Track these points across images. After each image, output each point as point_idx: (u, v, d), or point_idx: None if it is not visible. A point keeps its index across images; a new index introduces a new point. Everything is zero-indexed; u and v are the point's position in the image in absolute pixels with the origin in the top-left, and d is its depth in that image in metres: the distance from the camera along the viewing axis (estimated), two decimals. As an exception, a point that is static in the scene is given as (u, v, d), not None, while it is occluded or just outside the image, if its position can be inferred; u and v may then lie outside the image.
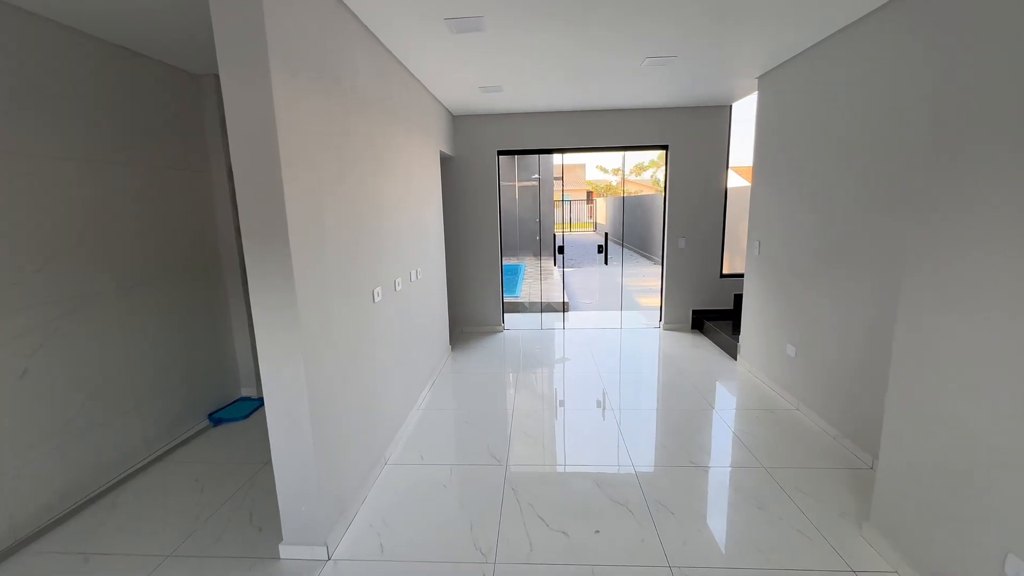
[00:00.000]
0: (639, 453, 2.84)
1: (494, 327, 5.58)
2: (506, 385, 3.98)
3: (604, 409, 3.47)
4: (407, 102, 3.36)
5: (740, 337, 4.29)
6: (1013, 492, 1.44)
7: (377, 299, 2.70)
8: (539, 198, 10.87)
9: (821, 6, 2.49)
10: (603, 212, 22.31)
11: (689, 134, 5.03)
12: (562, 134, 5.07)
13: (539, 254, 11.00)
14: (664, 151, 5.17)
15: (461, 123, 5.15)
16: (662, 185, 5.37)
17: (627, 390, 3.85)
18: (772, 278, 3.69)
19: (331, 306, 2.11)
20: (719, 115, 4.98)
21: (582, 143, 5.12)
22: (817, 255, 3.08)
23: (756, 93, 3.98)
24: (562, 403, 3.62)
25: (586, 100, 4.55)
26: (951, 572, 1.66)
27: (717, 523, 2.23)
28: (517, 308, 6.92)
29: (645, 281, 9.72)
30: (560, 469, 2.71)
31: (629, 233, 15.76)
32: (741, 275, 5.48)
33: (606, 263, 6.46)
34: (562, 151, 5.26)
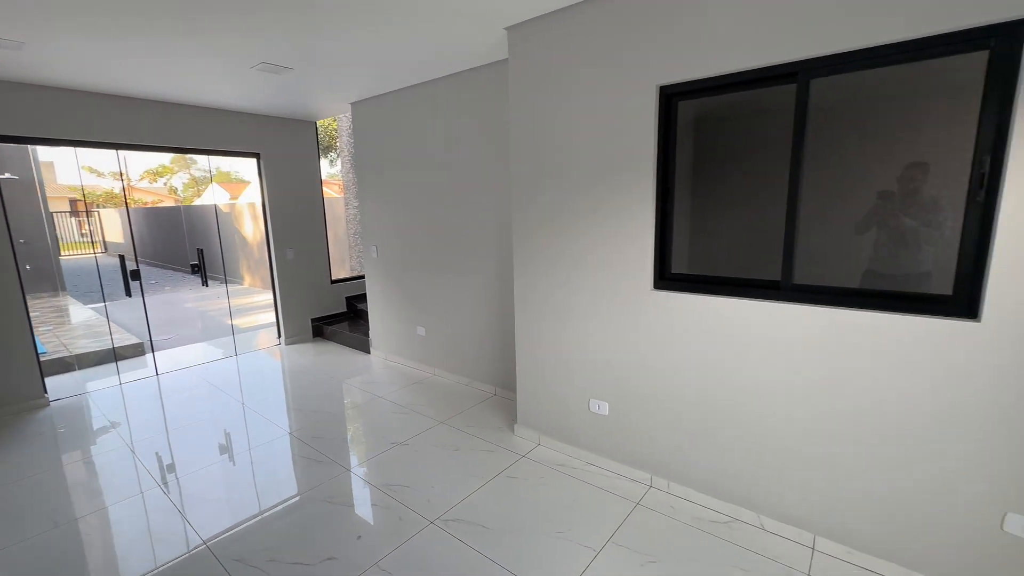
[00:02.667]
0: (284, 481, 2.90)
1: (29, 402, 3.66)
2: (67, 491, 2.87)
3: (231, 454, 3.01)
4: None
5: (371, 332, 4.84)
6: (583, 367, 2.69)
7: None
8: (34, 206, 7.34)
9: (410, 71, 3.29)
10: (115, 227, 17.14)
11: (281, 144, 5.00)
12: (116, 125, 3.88)
13: (58, 286, 7.51)
14: (256, 159, 4.91)
15: None
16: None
17: (260, 417, 3.64)
18: (395, 275, 4.42)
19: None
20: (307, 129, 5.22)
21: (158, 140, 4.11)
22: (433, 252, 4.01)
23: (347, 114, 4.53)
24: (171, 467, 2.84)
25: (160, 89, 3.72)
26: (564, 421, 2.85)
27: (433, 466, 2.70)
28: (64, 367, 4.70)
29: (218, 303, 8.58)
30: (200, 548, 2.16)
31: (161, 251, 13.10)
32: (349, 279, 6.02)
33: (129, 294, 5.15)
34: (126, 147, 4.02)
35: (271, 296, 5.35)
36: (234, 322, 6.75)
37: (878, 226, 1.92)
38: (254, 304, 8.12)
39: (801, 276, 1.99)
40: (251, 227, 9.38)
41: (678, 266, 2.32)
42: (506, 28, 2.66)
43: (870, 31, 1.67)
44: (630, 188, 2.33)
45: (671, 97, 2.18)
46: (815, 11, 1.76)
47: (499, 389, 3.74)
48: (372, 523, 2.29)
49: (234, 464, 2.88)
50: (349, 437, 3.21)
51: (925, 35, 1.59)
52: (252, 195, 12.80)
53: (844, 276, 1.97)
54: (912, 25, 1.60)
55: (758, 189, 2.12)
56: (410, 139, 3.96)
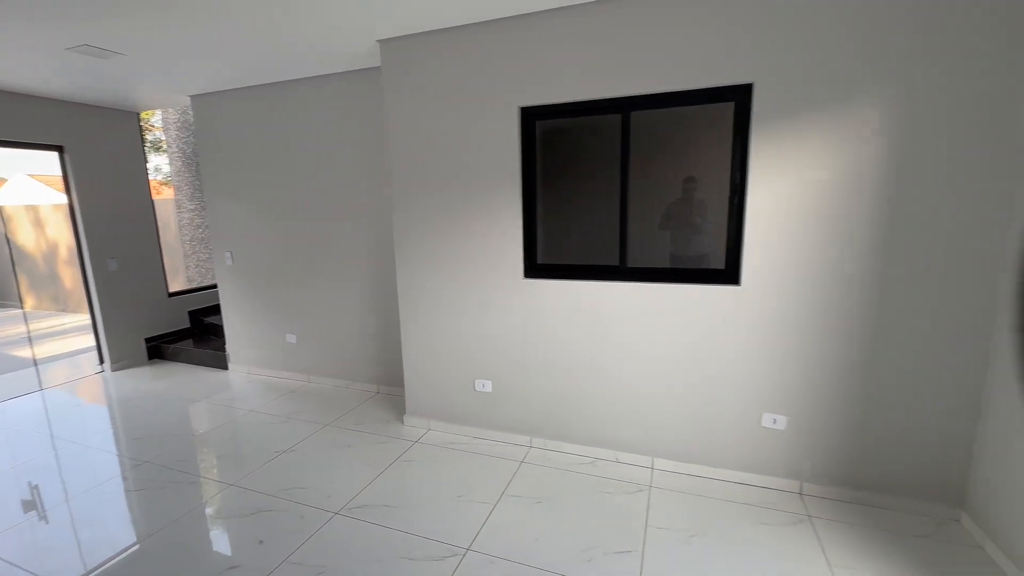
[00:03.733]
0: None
1: None
2: None
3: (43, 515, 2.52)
4: None
5: (228, 345, 4.44)
6: (467, 352, 3.00)
7: None
8: None
9: (276, 67, 3.22)
10: None
11: (94, 137, 4.27)
12: None
13: None
14: (59, 152, 4.11)
15: None
16: None
17: (94, 453, 3.21)
18: (258, 282, 4.15)
19: None
20: (127, 121, 4.54)
21: None
22: (304, 255, 3.90)
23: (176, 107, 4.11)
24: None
25: (-88, 59, 2.94)
26: (452, 403, 3.12)
27: (326, 465, 2.73)
28: None
29: (7, 330, 6.76)
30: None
31: None
32: (192, 291, 5.36)
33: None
34: None
35: (87, 317, 4.51)
36: (35, 352, 5.44)
37: (674, 221, 2.61)
38: (60, 328, 6.61)
39: (633, 260, 2.59)
40: (35, 236, 7.56)
41: (543, 257, 2.78)
42: (378, 40, 2.83)
43: (667, 82, 2.31)
44: (501, 192, 2.71)
45: (530, 116, 2.62)
46: (634, 64, 2.35)
47: (382, 387, 3.84)
48: (272, 528, 2.27)
49: (67, 509, 2.50)
50: (224, 454, 3.00)
51: (697, 88, 2.27)
52: (27, 195, 10.24)
53: (661, 259, 2.63)
54: (690, 81, 2.27)
55: (602, 192, 2.67)
56: (275, 138, 3.79)
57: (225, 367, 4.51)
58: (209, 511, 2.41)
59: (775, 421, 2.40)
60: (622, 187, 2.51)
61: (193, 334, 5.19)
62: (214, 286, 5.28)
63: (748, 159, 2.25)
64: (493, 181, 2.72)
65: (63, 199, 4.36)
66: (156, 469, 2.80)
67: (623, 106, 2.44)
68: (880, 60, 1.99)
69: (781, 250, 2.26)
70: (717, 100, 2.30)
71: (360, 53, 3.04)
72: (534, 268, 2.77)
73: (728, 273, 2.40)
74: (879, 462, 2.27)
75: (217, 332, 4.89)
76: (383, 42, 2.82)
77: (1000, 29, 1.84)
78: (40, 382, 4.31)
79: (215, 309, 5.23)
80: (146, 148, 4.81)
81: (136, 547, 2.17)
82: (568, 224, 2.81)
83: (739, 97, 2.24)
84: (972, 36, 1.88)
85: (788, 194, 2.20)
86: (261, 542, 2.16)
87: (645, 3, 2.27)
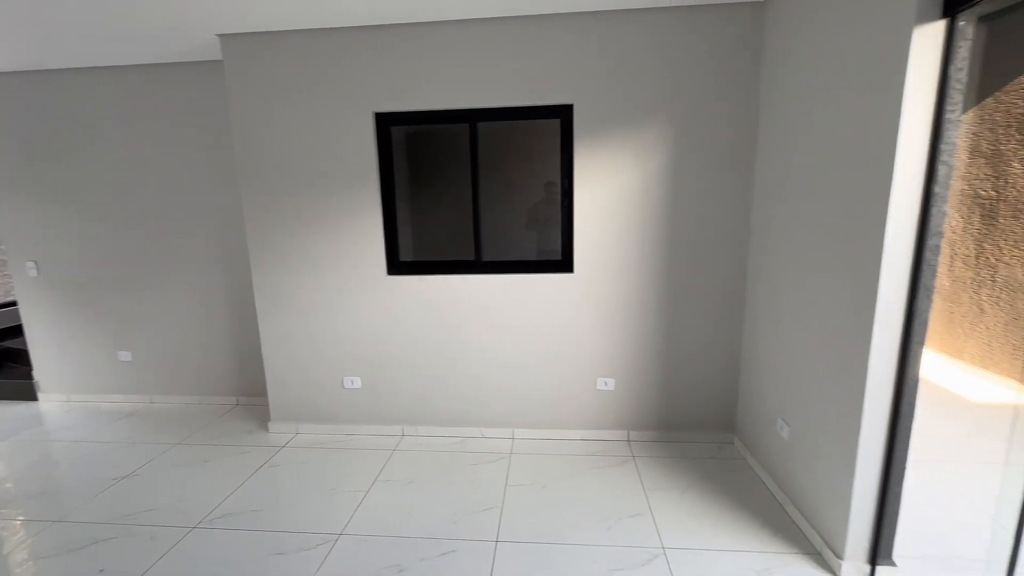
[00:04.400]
0: None
1: None
2: None
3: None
4: None
5: (36, 371, 3.76)
6: (334, 351, 3.04)
7: None
8: None
9: (95, 49, 2.89)
10: None
11: None
12: None
13: None
14: None
15: None
16: None
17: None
18: (72, 296, 3.60)
19: None
20: None
21: None
22: (137, 263, 3.49)
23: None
24: None
25: None
26: (320, 404, 3.13)
27: (179, 483, 2.57)
28: None
29: None
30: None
31: None
32: (-25, 311, 4.38)
33: None
34: None
35: None
36: None
37: (540, 221, 2.99)
38: None
39: (488, 255, 2.90)
40: None
41: (405, 255, 2.95)
42: (218, 35, 2.73)
43: (507, 98, 2.66)
44: (361, 193, 2.82)
45: (386, 122, 2.78)
46: (480, 81, 2.65)
47: (242, 398, 3.63)
48: (115, 555, 2.09)
49: None
50: (43, 491, 2.60)
51: (532, 105, 2.66)
52: None
53: (525, 253, 2.97)
54: (526, 98, 2.65)
55: (458, 193, 2.93)
56: (92, 131, 3.34)
57: (34, 397, 3.81)
58: (23, 555, 2.11)
59: (607, 384, 2.91)
60: (473, 189, 2.81)
61: (-21, 363, 4.25)
62: (12, 304, 4.40)
63: (573, 167, 2.70)
64: (352, 182, 2.82)
65: None
66: (-57, 521, 2.34)
67: (470, 117, 2.73)
68: (652, 95, 2.57)
69: (601, 243, 2.76)
70: (548, 116, 2.71)
71: (198, 45, 2.89)
72: (396, 265, 2.93)
73: (564, 263, 2.84)
74: (681, 408, 2.91)
75: (18, 358, 4.10)
76: (224, 37, 2.73)
77: (737, 76, 2.53)
78: None
79: (14, 331, 4.36)
80: None
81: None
82: (433, 223, 3.02)
83: (564, 115, 2.68)
84: (715, 82, 2.54)
85: (603, 197, 2.70)
86: (101, 571, 1.99)
87: (489, 29, 2.59)
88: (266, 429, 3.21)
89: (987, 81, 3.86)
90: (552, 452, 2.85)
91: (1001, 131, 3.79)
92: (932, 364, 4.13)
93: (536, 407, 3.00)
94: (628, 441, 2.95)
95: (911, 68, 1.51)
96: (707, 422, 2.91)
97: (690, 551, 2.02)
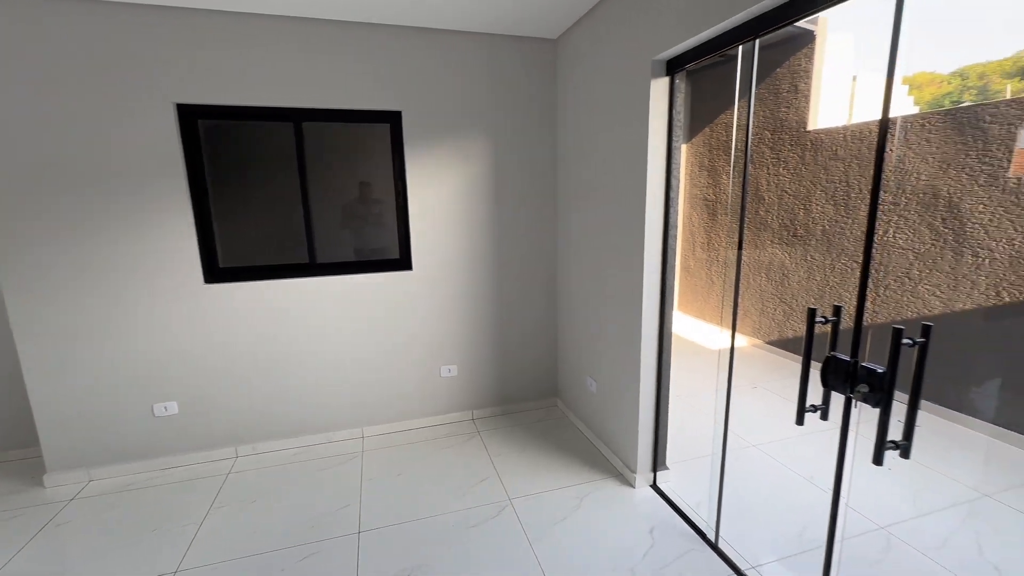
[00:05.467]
0: None
1: None
2: None
3: None
4: None
5: None
6: (139, 375, 2.63)
7: None
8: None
9: None
10: None
11: None
12: None
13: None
14: None
15: None
16: None
17: None
18: None
19: None
20: None
21: None
22: None
23: None
24: None
25: None
26: (123, 439, 2.67)
27: None
28: None
29: None
30: None
31: None
32: None
33: None
34: None
35: None
36: None
37: (356, 221, 3.04)
38: None
39: (323, 256, 2.87)
40: None
41: (226, 260, 2.71)
42: (-75, -14, 2.10)
43: (335, 100, 2.67)
44: (167, 194, 2.50)
45: (191, 114, 2.51)
46: (304, 81, 2.59)
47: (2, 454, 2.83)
48: None
49: None
50: None
51: (361, 109, 2.73)
52: None
53: (353, 253, 2.99)
54: (354, 102, 2.70)
55: (288, 193, 2.80)
56: None
57: None
58: None
59: (450, 371, 3.17)
60: (302, 189, 2.74)
61: None
62: None
63: (406, 170, 2.86)
64: (158, 182, 2.47)
65: None
66: None
67: (295, 116, 2.66)
68: (479, 110, 2.91)
69: (437, 241, 2.99)
70: (378, 121, 2.82)
71: None
72: (216, 272, 2.68)
73: (403, 261, 2.99)
74: (515, 383, 3.34)
75: None
76: (-62, -9, 2.11)
77: (541, 94, 3.02)
78: None
79: None
80: None
81: None
82: (259, 226, 2.83)
83: (393, 121, 2.82)
84: (530, 103, 2.99)
85: (436, 199, 2.94)
86: None
87: (316, 29, 2.55)
88: (42, 484, 2.59)
89: (705, 116, 5.28)
90: (404, 442, 2.99)
91: (714, 152, 5.24)
92: (687, 325, 5.48)
93: (384, 402, 3.09)
94: (473, 419, 3.27)
95: (652, 108, 2.11)
96: (537, 391, 3.41)
97: (530, 496, 2.42)
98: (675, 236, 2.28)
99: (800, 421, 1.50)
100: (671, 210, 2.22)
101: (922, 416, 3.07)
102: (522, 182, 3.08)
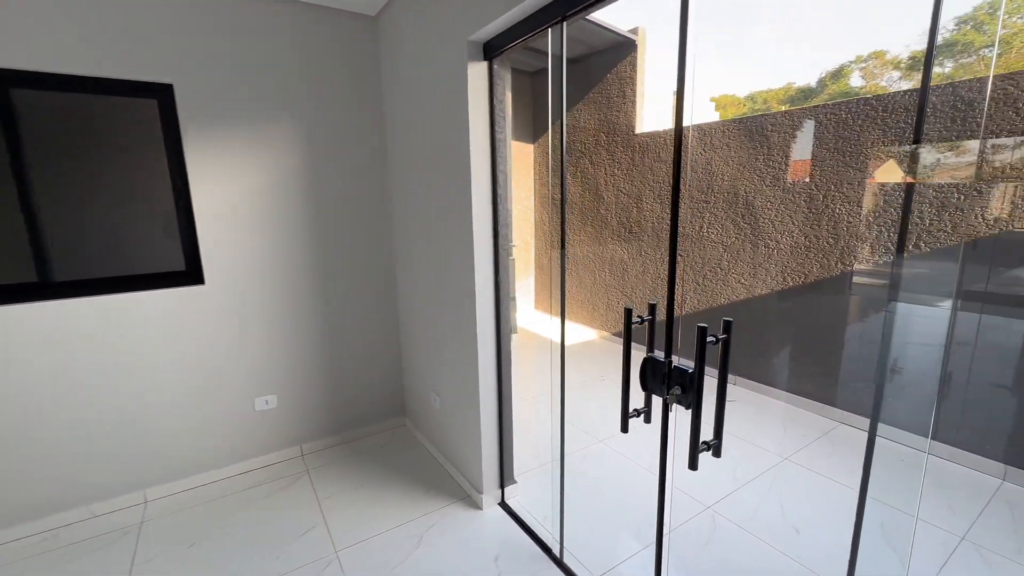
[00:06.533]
0: None
1: None
2: None
3: None
4: None
5: None
6: None
7: None
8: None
9: None
10: None
11: None
12: None
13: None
14: None
15: None
16: None
17: None
18: None
19: None
20: None
21: None
22: None
23: None
24: None
25: None
26: None
27: None
28: None
29: None
30: None
31: None
32: None
33: None
34: None
35: None
36: None
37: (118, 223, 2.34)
38: None
39: (65, 273, 2.13)
40: None
41: None
42: None
43: (67, 63, 1.98)
44: None
45: None
46: (10, 28, 1.86)
47: None
48: None
49: None
50: None
51: (110, 77, 2.08)
52: None
53: (142, 265, 2.27)
54: (99, 67, 2.04)
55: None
56: None
57: None
58: None
59: (267, 402, 2.64)
60: (17, 180, 2.00)
61: None
62: None
63: (185, 161, 2.27)
64: None
65: None
66: None
67: (-3, 80, 1.92)
68: (285, 92, 2.45)
69: (240, 248, 2.45)
70: (139, 95, 2.18)
71: None
72: None
73: (191, 274, 2.38)
74: (354, 407, 2.93)
75: None
76: None
77: (360, 86, 2.65)
78: None
79: None
80: None
81: None
82: (-66, 234, 1.99)
83: (162, 96, 2.21)
84: (350, 87, 2.61)
85: (235, 197, 2.40)
86: None
87: (0, -43, 1.84)
88: None
89: (545, 119, 5.37)
90: (204, 499, 2.39)
91: (557, 153, 5.35)
92: (545, 322, 5.55)
93: (176, 452, 2.44)
94: (302, 455, 2.78)
95: (471, 97, 1.91)
96: (380, 413, 3.04)
97: (362, 543, 2.06)
98: (508, 236, 2.12)
99: (624, 429, 1.42)
100: (500, 208, 2.06)
101: (736, 391, 3.45)
102: (347, 179, 2.69)
